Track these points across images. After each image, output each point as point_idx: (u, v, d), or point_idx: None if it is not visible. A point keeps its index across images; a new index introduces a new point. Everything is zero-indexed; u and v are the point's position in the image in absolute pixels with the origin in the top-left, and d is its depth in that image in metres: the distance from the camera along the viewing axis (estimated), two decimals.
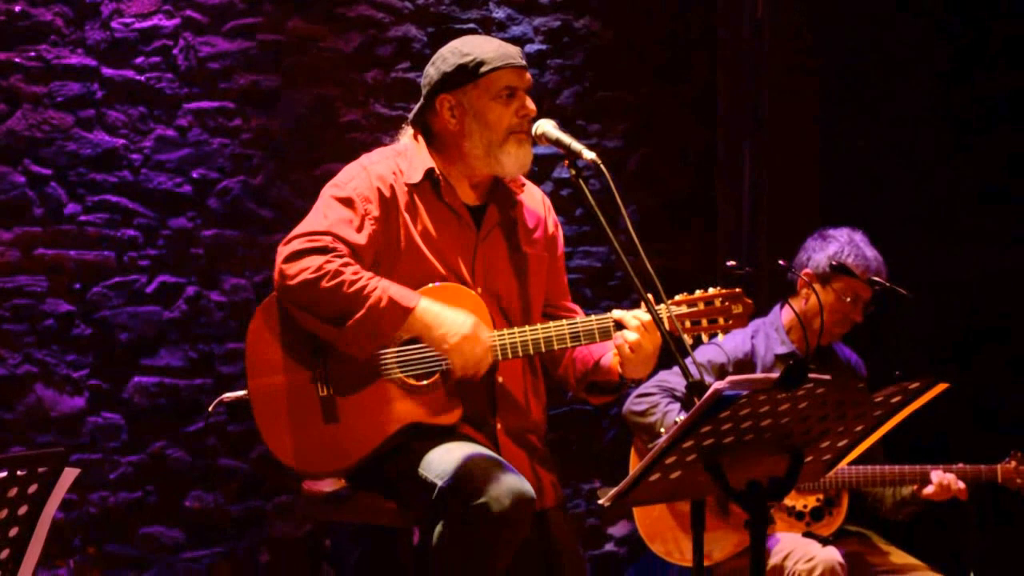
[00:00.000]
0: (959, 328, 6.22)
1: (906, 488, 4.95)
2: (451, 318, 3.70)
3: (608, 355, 3.89)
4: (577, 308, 4.09)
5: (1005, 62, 6.30)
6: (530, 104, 3.86)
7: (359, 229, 3.78)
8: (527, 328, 3.79)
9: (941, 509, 5.03)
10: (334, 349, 3.75)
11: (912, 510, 5.01)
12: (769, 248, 6.19)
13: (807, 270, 4.98)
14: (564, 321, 3.81)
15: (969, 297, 6.26)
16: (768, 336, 5.05)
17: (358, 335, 3.68)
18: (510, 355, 3.78)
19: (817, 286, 4.93)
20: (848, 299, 4.93)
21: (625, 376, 3.84)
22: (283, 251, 3.74)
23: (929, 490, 4.87)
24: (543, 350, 3.79)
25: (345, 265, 3.70)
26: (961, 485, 4.86)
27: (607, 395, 4.01)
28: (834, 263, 4.93)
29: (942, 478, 4.85)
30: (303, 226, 3.78)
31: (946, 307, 6.12)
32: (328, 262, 3.69)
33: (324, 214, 3.80)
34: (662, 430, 4.70)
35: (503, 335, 3.77)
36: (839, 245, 4.97)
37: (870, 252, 4.97)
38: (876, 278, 4.91)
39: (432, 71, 3.90)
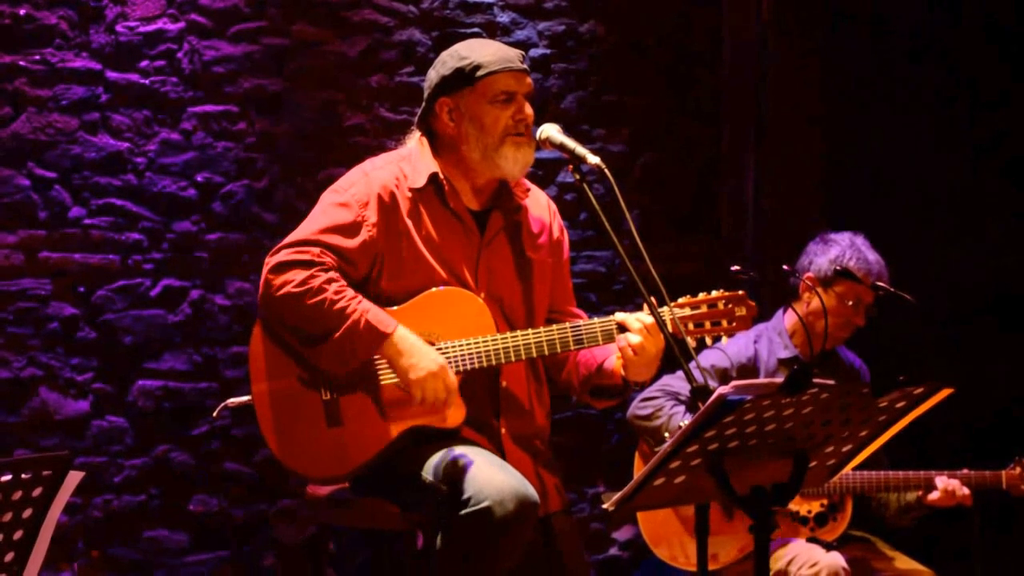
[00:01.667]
0: (963, 332, 6.22)
1: (911, 494, 4.95)
2: (423, 352, 3.69)
3: (611, 358, 3.89)
4: (581, 313, 4.09)
5: (1010, 63, 6.30)
6: (527, 109, 3.86)
7: (352, 235, 3.78)
8: (530, 331, 3.79)
9: (945, 514, 5.02)
10: None
11: (916, 516, 5.01)
12: (773, 252, 6.19)
13: (809, 274, 4.98)
14: (567, 324, 3.82)
15: (973, 301, 6.25)
16: (771, 340, 5.05)
17: (333, 354, 3.69)
18: (513, 358, 3.78)
19: (819, 290, 4.93)
20: (850, 303, 4.93)
21: (628, 379, 3.84)
22: (270, 262, 3.75)
23: (934, 496, 4.87)
24: (546, 353, 3.79)
25: (329, 282, 3.70)
26: (966, 491, 4.85)
27: (611, 399, 4.01)
28: (836, 267, 4.93)
29: (947, 484, 4.85)
30: (293, 234, 3.79)
31: (950, 311, 6.12)
32: (312, 277, 3.69)
33: (317, 221, 3.81)
34: (667, 434, 4.70)
35: (506, 338, 3.77)
36: (841, 249, 4.97)
37: (872, 256, 4.97)
38: (879, 282, 4.92)
39: (433, 74, 3.92)
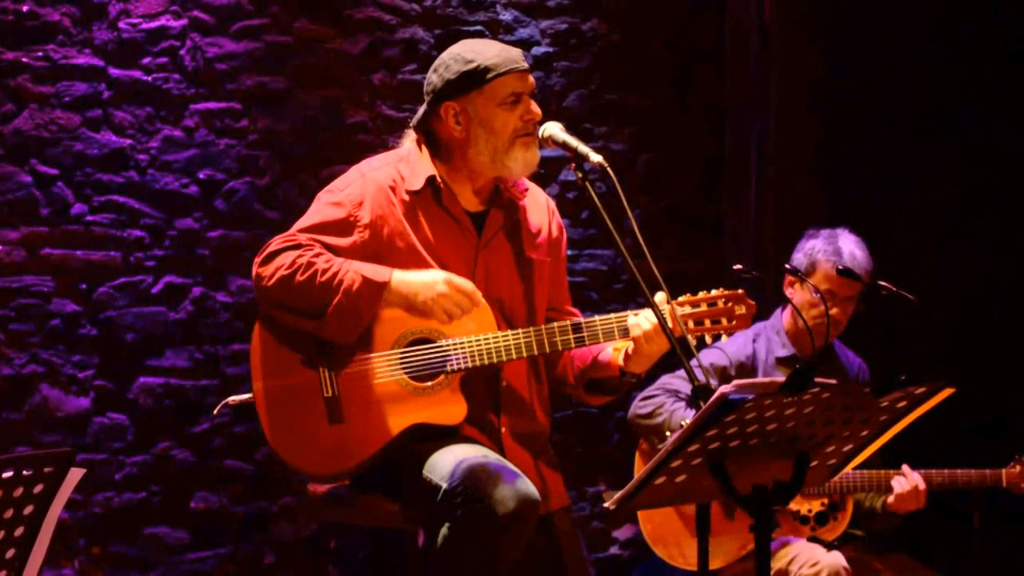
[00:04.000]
0: (964, 331, 6.21)
1: (877, 500, 4.93)
2: (424, 279, 3.71)
3: (607, 350, 3.90)
4: (577, 312, 4.09)
5: (1014, 62, 6.30)
6: (535, 108, 3.86)
7: (343, 234, 3.79)
8: (531, 329, 3.80)
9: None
10: (339, 349, 3.75)
11: (884, 525, 4.98)
12: (775, 251, 6.19)
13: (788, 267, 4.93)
14: (567, 322, 3.82)
15: (974, 300, 6.25)
16: (769, 339, 5.05)
17: (340, 321, 3.69)
18: (514, 356, 3.78)
19: (798, 284, 4.93)
20: (817, 296, 4.85)
21: (626, 369, 3.84)
22: (259, 258, 3.77)
23: (891, 500, 4.85)
24: (547, 350, 3.80)
25: (316, 256, 3.72)
26: (922, 487, 4.83)
27: (606, 394, 4.02)
28: (807, 259, 4.92)
29: (903, 482, 4.82)
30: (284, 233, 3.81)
31: (951, 310, 6.12)
32: (300, 256, 3.72)
33: (308, 218, 3.83)
34: (668, 432, 4.70)
35: (507, 336, 3.77)
36: (815, 241, 4.97)
37: (846, 248, 4.92)
38: (859, 275, 4.84)
39: (435, 78, 3.89)
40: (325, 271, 3.69)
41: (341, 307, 3.68)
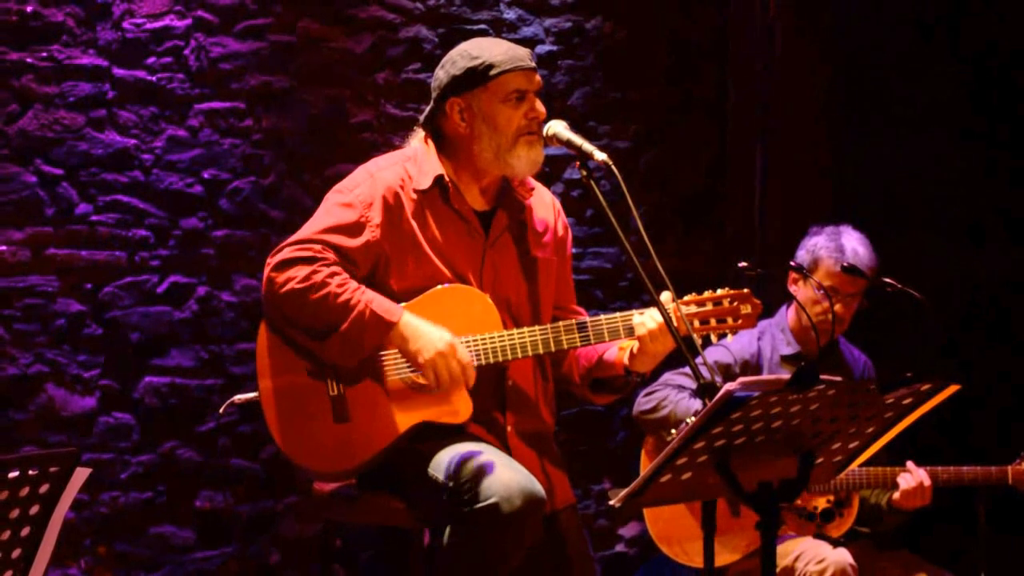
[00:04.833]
0: (969, 328, 6.21)
1: (882, 497, 4.92)
2: (430, 333, 3.69)
3: (612, 350, 3.91)
4: (582, 311, 4.09)
5: (1017, 63, 6.29)
6: (539, 107, 3.86)
7: (355, 235, 3.78)
8: (536, 328, 3.80)
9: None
10: None
11: (893, 522, 4.97)
12: (779, 248, 6.18)
13: (791, 264, 4.92)
14: (573, 321, 3.82)
15: (980, 296, 6.24)
16: (774, 337, 5.04)
17: (341, 347, 3.69)
18: (520, 355, 3.78)
19: (801, 281, 4.92)
20: (820, 292, 4.84)
21: (631, 368, 3.85)
22: (271, 261, 3.75)
23: (896, 496, 4.83)
24: (552, 349, 3.80)
25: (332, 275, 3.70)
26: (927, 483, 4.82)
27: (611, 393, 4.02)
28: (809, 255, 4.91)
29: (909, 479, 4.80)
30: (296, 234, 3.79)
31: (957, 307, 6.11)
32: (315, 272, 3.69)
33: (320, 220, 3.81)
34: (674, 431, 4.69)
35: (512, 335, 3.78)
36: (818, 238, 4.96)
37: (849, 244, 4.91)
38: (860, 272, 4.83)
39: (442, 74, 3.90)
40: (337, 295, 3.68)
41: (345, 336, 3.68)
